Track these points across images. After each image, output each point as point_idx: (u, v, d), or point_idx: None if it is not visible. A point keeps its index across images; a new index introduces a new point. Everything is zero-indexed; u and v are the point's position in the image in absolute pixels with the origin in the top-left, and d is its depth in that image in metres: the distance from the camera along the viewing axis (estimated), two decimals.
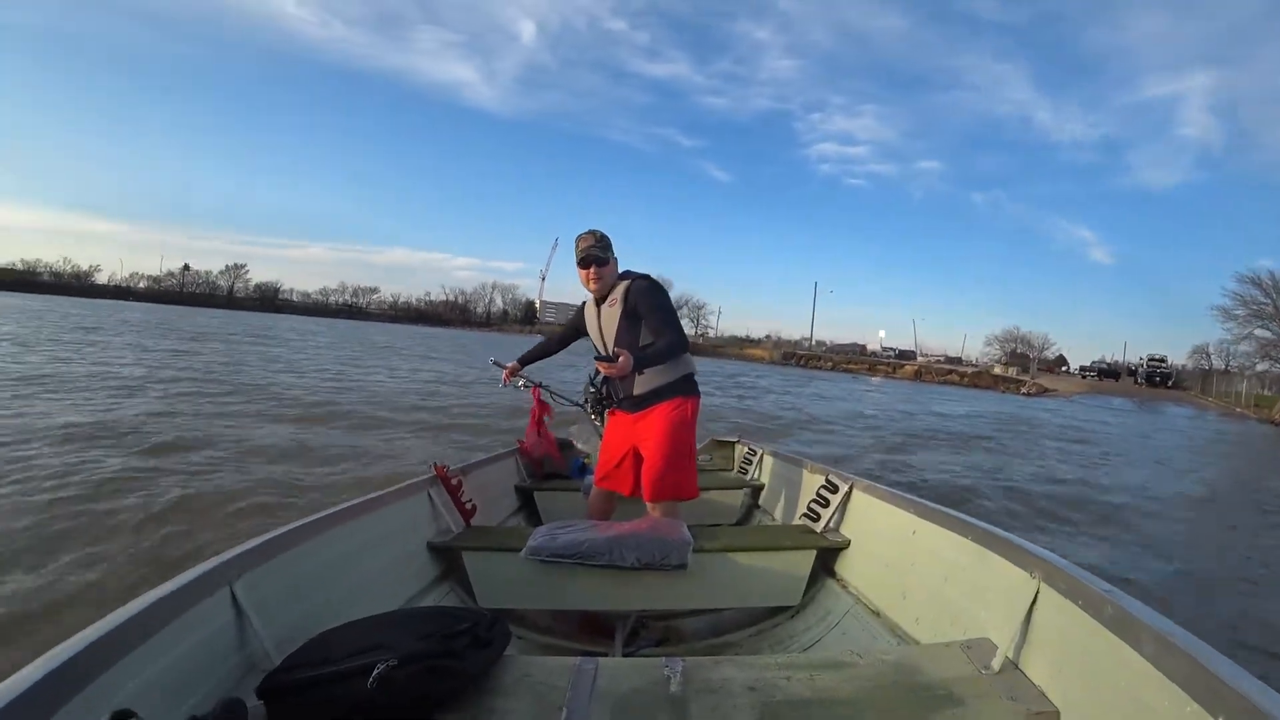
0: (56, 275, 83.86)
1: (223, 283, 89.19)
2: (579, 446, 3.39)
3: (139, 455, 4.80)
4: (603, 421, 2.55)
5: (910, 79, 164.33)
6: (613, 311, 2.17)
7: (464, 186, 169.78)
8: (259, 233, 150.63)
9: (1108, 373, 46.33)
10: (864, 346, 68.59)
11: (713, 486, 3.14)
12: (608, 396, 2.35)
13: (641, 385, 2.17)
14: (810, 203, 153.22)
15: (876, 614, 1.75)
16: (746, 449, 3.51)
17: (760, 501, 3.08)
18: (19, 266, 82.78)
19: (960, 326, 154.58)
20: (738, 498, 3.15)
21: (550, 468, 3.22)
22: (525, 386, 2.92)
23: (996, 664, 1.18)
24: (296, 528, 1.41)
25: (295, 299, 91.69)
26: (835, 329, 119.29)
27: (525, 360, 2.68)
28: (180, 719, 0.82)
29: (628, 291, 2.14)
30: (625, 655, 1.80)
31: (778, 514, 2.82)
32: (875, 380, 37.35)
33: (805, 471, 2.60)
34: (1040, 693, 1.10)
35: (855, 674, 1.18)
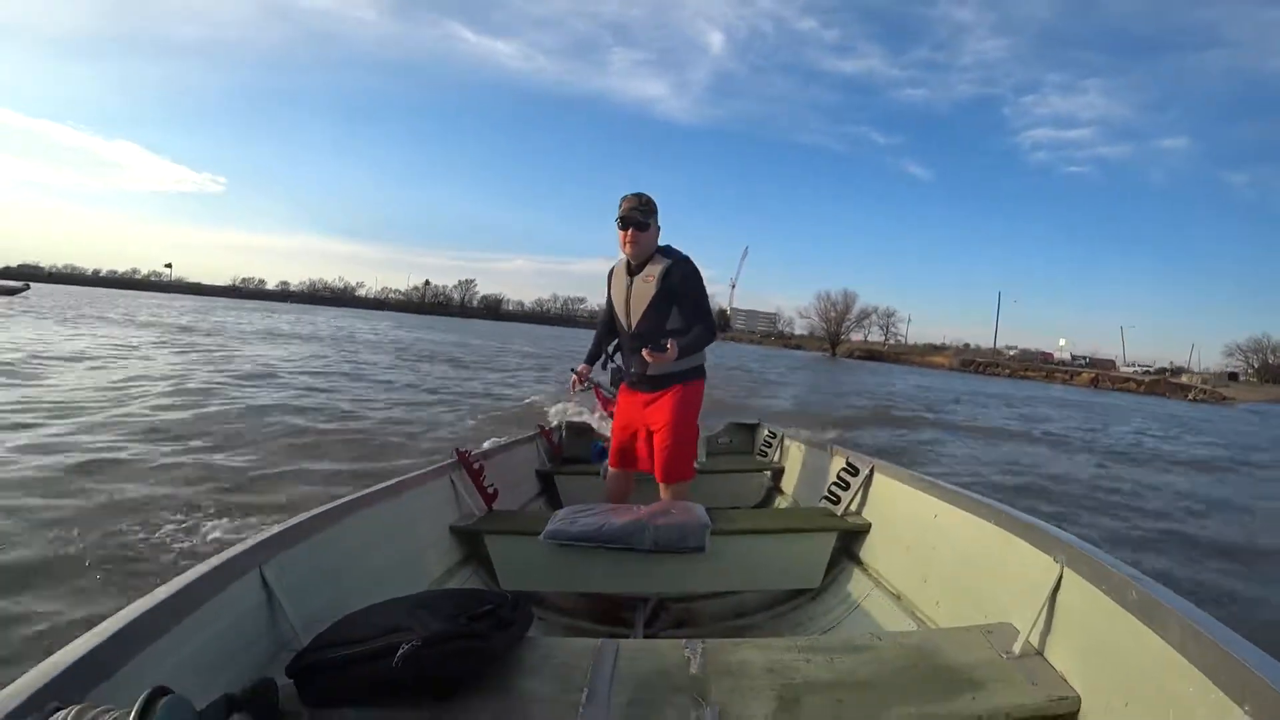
0: (332, 290, 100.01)
1: (456, 295, 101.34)
2: (598, 431, 3.50)
3: None
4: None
5: (1148, 42, 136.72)
6: (647, 286, 2.16)
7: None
8: (469, 247, 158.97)
9: None
10: (1049, 355, 69.50)
11: (732, 469, 3.21)
12: (622, 370, 2.40)
13: (658, 367, 2.17)
14: (1019, 197, 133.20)
15: (897, 597, 1.74)
16: (767, 431, 3.51)
17: (780, 484, 3.08)
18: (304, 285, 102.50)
19: (1187, 334, 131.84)
20: (758, 480, 3.18)
21: (570, 451, 3.32)
22: (587, 388, 2.88)
23: (1018, 648, 1.17)
24: (323, 512, 1.45)
25: (512, 308, 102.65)
26: (1027, 335, 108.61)
27: (593, 359, 2.57)
28: (214, 696, 0.86)
29: (668, 271, 2.14)
30: (646, 637, 1.82)
31: (798, 497, 2.82)
32: (1057, 388, 38.31)
33: (826, 454, 2.57)
34: (1061, 677, 1.09)
35: (875, 657, 1.17)
